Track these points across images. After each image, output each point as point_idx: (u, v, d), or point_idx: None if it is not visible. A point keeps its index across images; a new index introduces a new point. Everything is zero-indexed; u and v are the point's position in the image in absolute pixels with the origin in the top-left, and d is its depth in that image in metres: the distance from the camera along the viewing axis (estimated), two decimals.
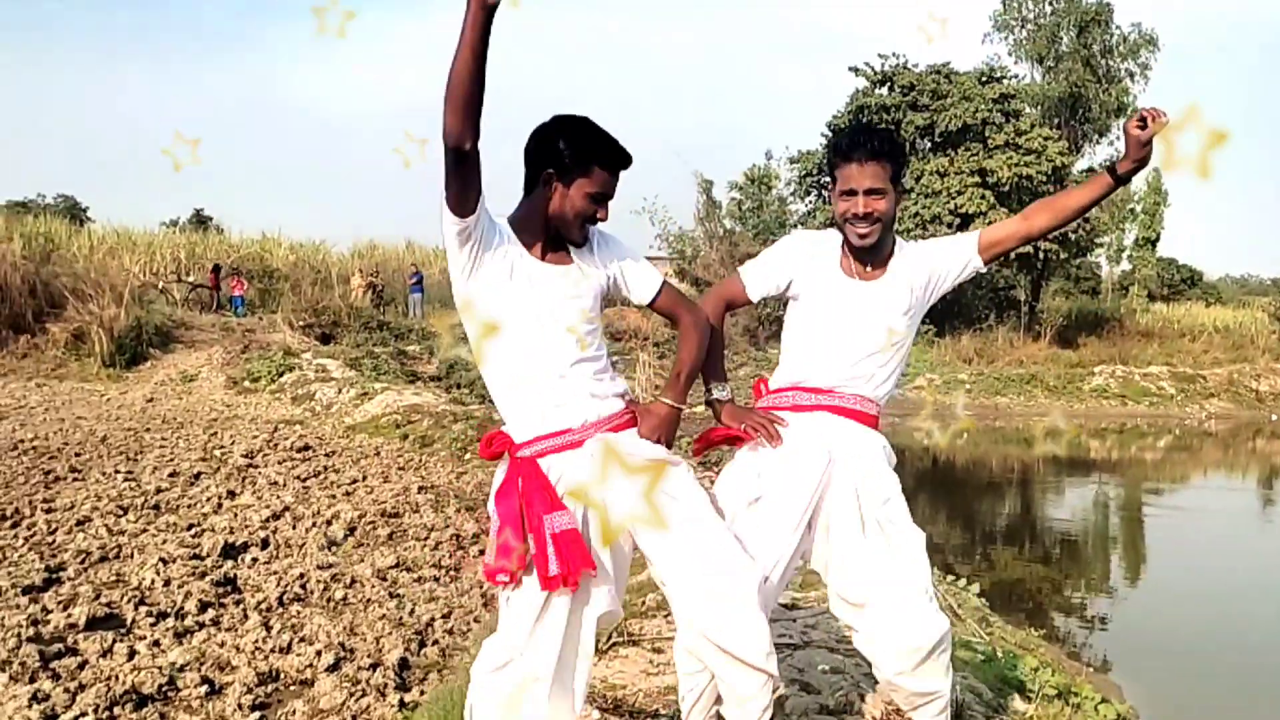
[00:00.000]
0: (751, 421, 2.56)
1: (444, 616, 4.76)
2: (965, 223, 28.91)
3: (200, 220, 40.88)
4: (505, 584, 2.26)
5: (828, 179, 2.63)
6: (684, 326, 2.53)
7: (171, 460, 8.66)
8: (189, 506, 6.89)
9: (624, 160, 2.32)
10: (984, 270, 2.69)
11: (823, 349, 2.59)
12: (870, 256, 2.57)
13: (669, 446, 2.41)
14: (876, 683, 3.19)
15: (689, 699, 2.56)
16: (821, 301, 2.58)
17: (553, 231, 2.33)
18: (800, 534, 2.53)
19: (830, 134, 32.81)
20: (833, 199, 2.56)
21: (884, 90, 31.82)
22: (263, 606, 4.79)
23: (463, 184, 2.12)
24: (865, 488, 2.51)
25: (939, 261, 2.63)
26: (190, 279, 23.58)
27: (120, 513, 6.59)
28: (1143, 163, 2.36)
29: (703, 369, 2.58)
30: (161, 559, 5.37)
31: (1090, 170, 37.83)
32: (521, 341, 2.30)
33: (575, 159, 2.25)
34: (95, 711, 3.51)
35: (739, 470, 2.59)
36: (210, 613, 4.65)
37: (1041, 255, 29.54)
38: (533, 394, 2.32)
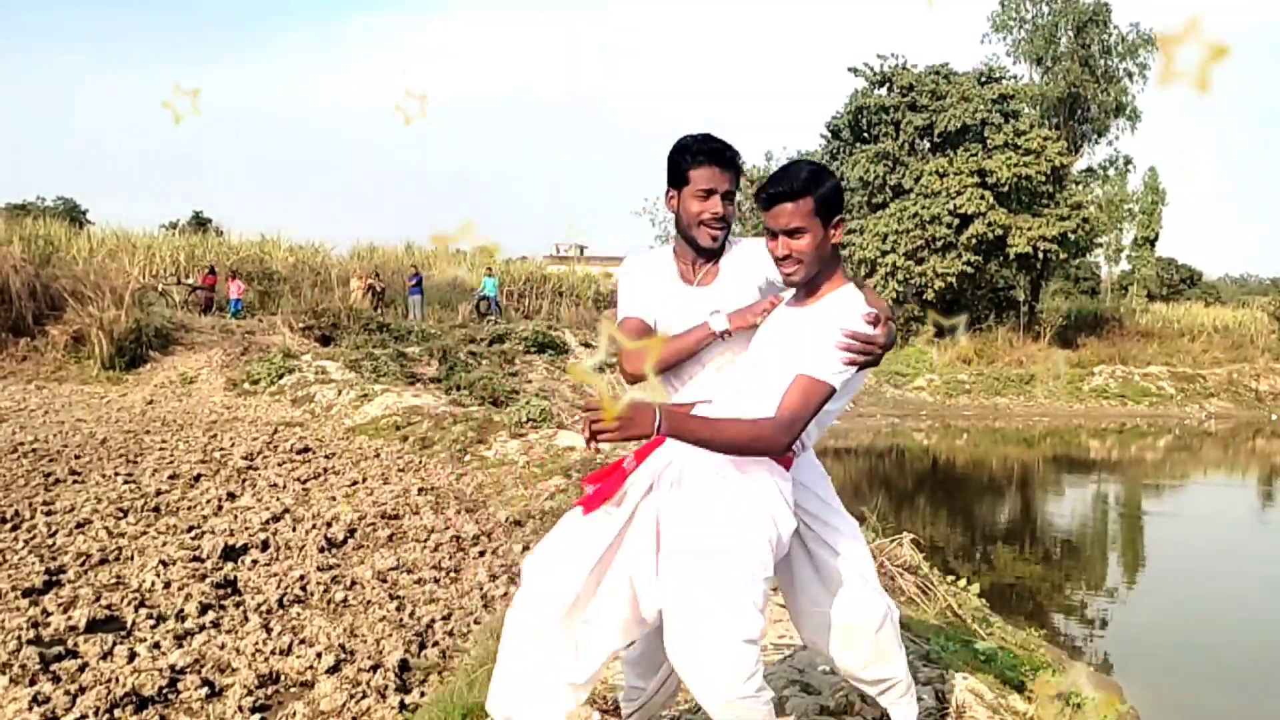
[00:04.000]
0: None
1: (444, 618, 4.76)
2: (965, 223, 28.93)
3: (200, 222, 40.90)
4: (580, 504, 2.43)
5: (670, 187, 2.58)
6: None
7: (171, 462, 8.66)
8: (189, 509, 6.89)
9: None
10: None
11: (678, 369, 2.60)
12: (708, 258, 2.62)
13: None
14: None
15: (628, 707, 2.69)
16: (665, 317, 2.61)
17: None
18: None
19: (832, 134, 32.81)
20: (679, 199, 2.55)
21: (883, 91, 31.85)
22: (263, 608, 4.79)
23: None
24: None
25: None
26: (189, 281, 23.57)
27: (120, 515, 6.58)
28: None
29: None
30: (161, 561, 5.37)
31: (1089, 170, 37.90)
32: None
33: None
34: (96, 714, 3.51)
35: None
36: (210, 615, 4.65)
37: (1041, 255, 29.58)
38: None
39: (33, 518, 6.40)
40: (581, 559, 2.33)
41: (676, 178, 2.56)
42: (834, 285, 2.40)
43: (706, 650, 2.16)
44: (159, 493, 7.33)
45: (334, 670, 4.02)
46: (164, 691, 3.74)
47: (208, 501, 7.08)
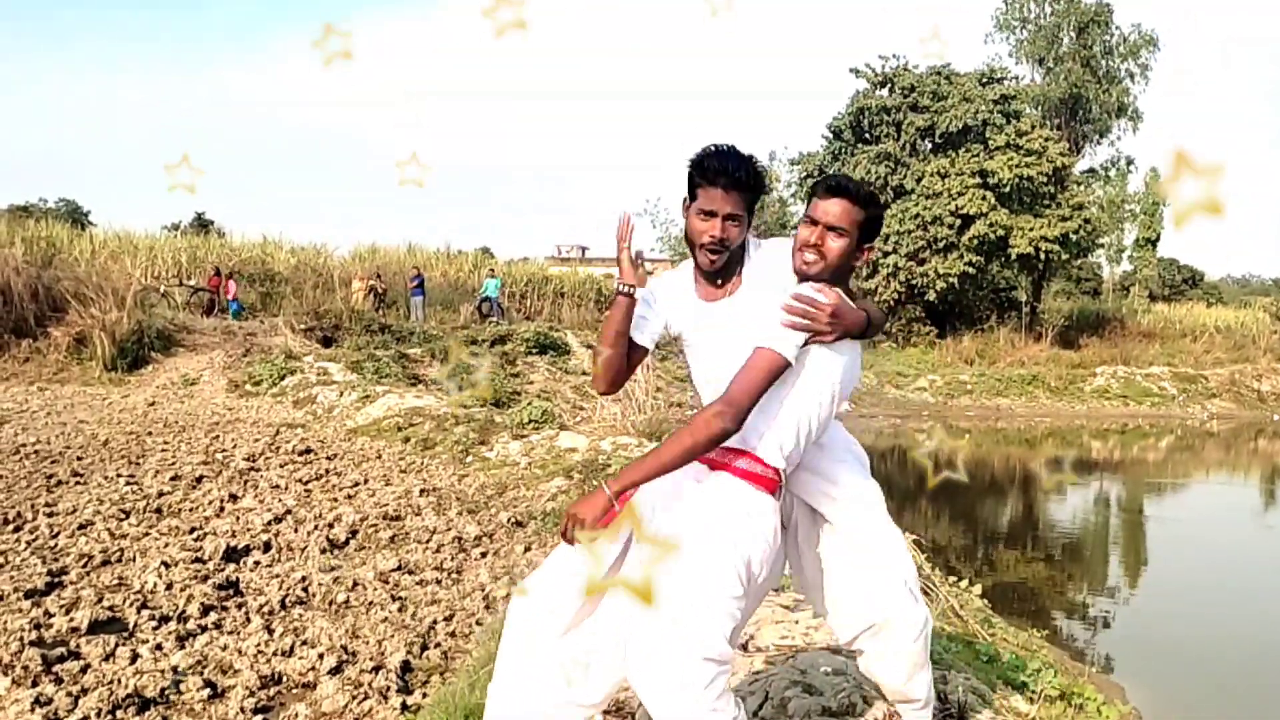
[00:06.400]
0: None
1: (446, 619, 4.76)
2: (966, 224, 28.93)
3: (201, 224, 40.96)
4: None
5: (686, 195, 2.47)
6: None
7: (173, 464, 8.66)
8: (191, 510, 6.89)
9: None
10: None
11: (703, 380, 2.54)
12: (720, 275, 2.49)
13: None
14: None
15: None
16: (690, 331, 2.54)
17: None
18: None
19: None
20: (688, 214, 2.45)
21: (884, 92, 31.85)
22: (265, 610, 4.79)
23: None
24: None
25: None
26: (191, 283, 23.58)
27: (122, 516, 6.59)
28: None
29: None
30: (163, 562, 5.37)
31: (1091, 171, 37.89)
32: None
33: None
34: (98, 715, 3.51)
35: None
36: (212, 616, 4.65)
37: (1043, 256, 29.55)
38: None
39: (35, 519, 6.41)
40: (579, 582, 2.33)
41: (689, 190, 2.46)
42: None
43: (657, 663, 2.15)
44: (161, 494, 7.33)
45: (336, 671, 4.02)
46: (166, 693, 3.74)
47: (210, 503, 7.08)
